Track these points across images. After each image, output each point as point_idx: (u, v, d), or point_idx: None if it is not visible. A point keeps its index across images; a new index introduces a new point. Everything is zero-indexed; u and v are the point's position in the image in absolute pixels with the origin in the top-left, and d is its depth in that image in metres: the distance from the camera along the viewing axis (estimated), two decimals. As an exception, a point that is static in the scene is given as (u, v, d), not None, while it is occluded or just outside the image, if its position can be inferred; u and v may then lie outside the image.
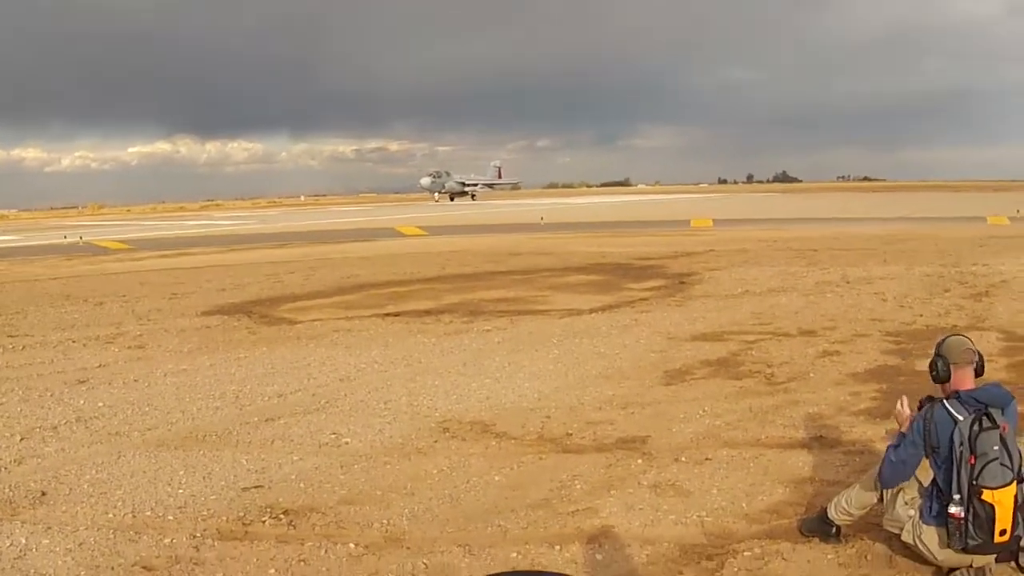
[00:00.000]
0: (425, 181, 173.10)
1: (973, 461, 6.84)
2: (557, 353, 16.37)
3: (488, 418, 12.20)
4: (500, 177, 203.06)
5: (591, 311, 21.21)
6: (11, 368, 16.80)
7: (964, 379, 7.19)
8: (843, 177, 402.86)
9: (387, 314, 21.67)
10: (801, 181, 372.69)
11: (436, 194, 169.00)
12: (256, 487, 9.80)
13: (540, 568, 7.64)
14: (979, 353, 7.37)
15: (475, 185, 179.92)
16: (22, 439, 11.93)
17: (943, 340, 7.44)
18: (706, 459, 10.12)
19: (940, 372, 7.24)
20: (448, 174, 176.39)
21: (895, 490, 7.41)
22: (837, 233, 45.43)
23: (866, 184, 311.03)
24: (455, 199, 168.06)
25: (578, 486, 9.41)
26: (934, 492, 7.12)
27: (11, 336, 20.31)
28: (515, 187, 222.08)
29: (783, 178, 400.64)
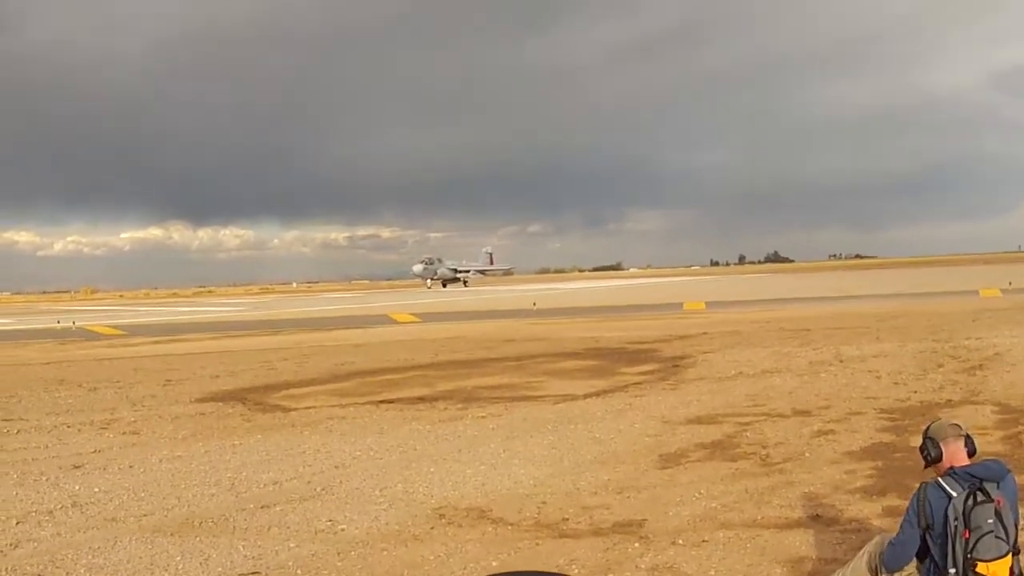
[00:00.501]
0: (417, 268, 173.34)
1: (968, 535, 6.88)
2: (552, 439, 16.33)
3: (484, 504, 12.16)
4: (492, 263, 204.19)
5: (586, 396, 21.16)
6: (6, 452, 16.86)
7: (956, 455, 7.26)
8: (835, 255, 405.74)
9: (382, 401, 21.61)
10: (793, 260, 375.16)
11: (428, 281, 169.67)
12: (253, 574, 9.77)
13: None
14: (968, 434, 7.44)
15: (467, 271, 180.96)
16: (18, 523, 11.94)
17: (928, 425, 7.55)
18: (703, 541, 10.10)
19: (931, 453, 7.33)
20: (440, 261, 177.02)
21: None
22: (830, 312, 45.68)
23: (858, 261, 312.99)
24: (447, 285, 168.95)
25: (575, 571, 9.37)
26: (931, 568, 7.14)
27: (5, 420, 20.38)
28: (507, 273, 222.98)
29: (775, 258, 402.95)
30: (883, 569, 7.52)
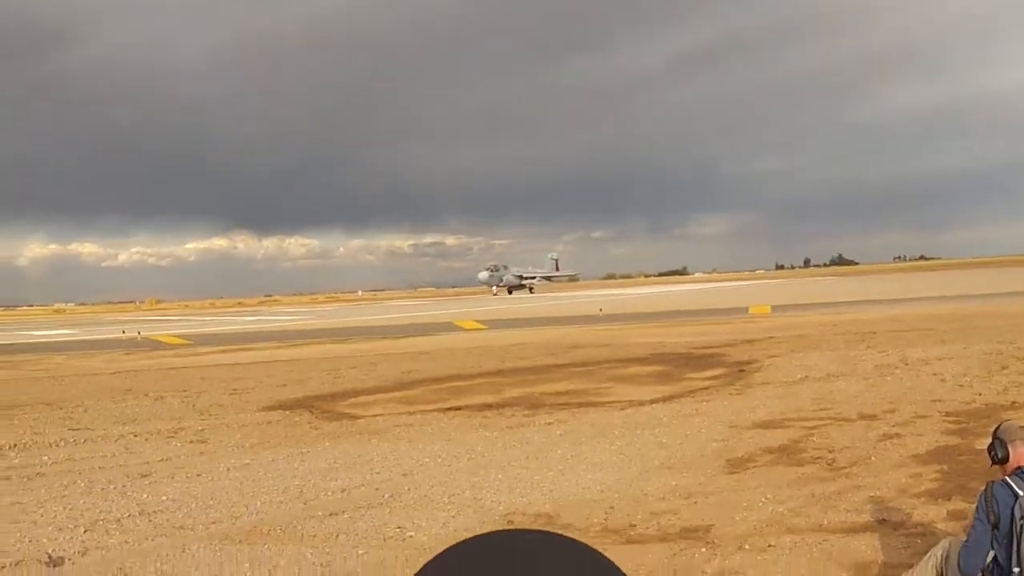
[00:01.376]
0: (483, 275, 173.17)
1: None
2: (619, 444, 16.37)
3: (552, 510, 12.26)
4: (558, 269, 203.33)
5: (652, 402, 21.18)
6: (73, 461, 17.08)
7: (1023, 456, 7.31)
8: (899, 257, 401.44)
9: (449, 408, 21.71)
10: (858, 263, 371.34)
11: (494, 288, 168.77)
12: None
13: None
14: None
15: (533, 278, 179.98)
16: (86, 531, 12.12)
17: (998, 425, 7.58)
18: (769, 546, 10.16)
19: (999, 453, 7.37)
20: (506, 268, 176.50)
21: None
22: (895, 315, 45.29)
23: (922, 263, 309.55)
24: (513, 292, 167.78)
25: (642, 574, 9.47)
26: (994, 570, 7.18)
27: (73, 429, 20.61)
28: (572, 279, 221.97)
29: (840, 261, 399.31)
30: (959, 572, 7.56)
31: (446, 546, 1.57)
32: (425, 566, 1.52)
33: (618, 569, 1.47)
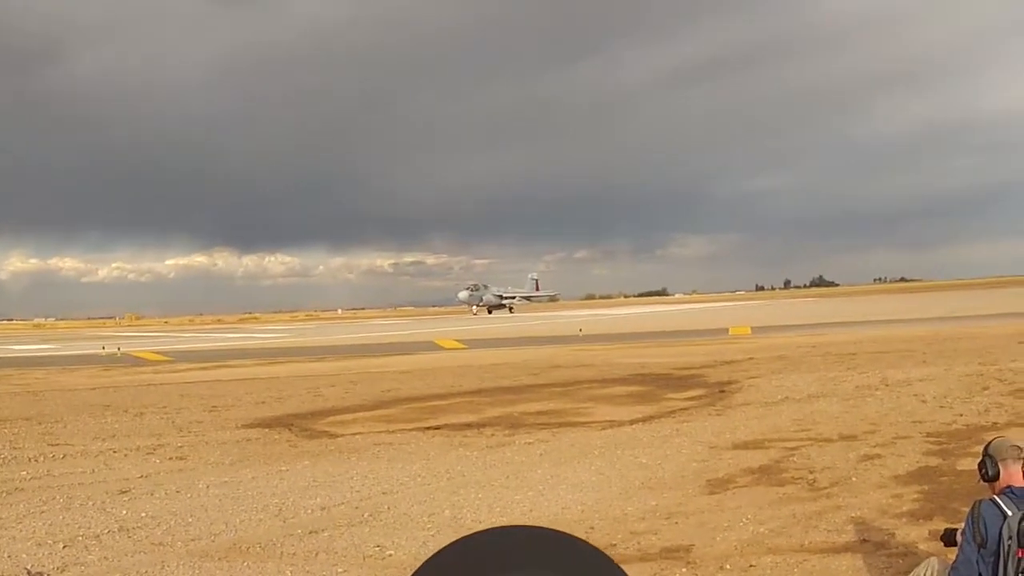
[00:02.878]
0: (463, 294, 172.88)
1: (1021, 554, 6.88)
2: (599, 464, 16.36)
3: (532, 530, 12.21)
4: (538, 289, 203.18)
5: (632, 422, 21.17)
6: (52, 476, 17.00)
7: (1014, 475, 7.28)
8: (880, 279, 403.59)
9: (428, 428, 21.67)
10: (838, 284, 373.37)
11: (474, 307, 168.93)
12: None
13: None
14: None
15: (512, 298, 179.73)
16: (65, 547, 12.06)
17: (990, 442, 7.55)
18: (751, 566, 10.14)
19: (989, 471, 7.35)
20: (486, 287, 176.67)
21: None
22: (875, 336, 45.51)
23: (903, 285, 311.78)
24: (493, 312, 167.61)
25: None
26: (980, 587, 7.15)
27: (52, 444, 20.54)
28: (553, 299, 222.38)
29: (820, 282, 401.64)
30: None
31: (446, 544, 1.54)
32: (424, 564, 1.48)
33: (617, 567, 1.43)
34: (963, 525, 7.39)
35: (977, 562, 7.17)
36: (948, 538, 7.67)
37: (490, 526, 1.61)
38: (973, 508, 7.26)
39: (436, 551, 1.56)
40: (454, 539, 1.53)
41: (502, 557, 1.49)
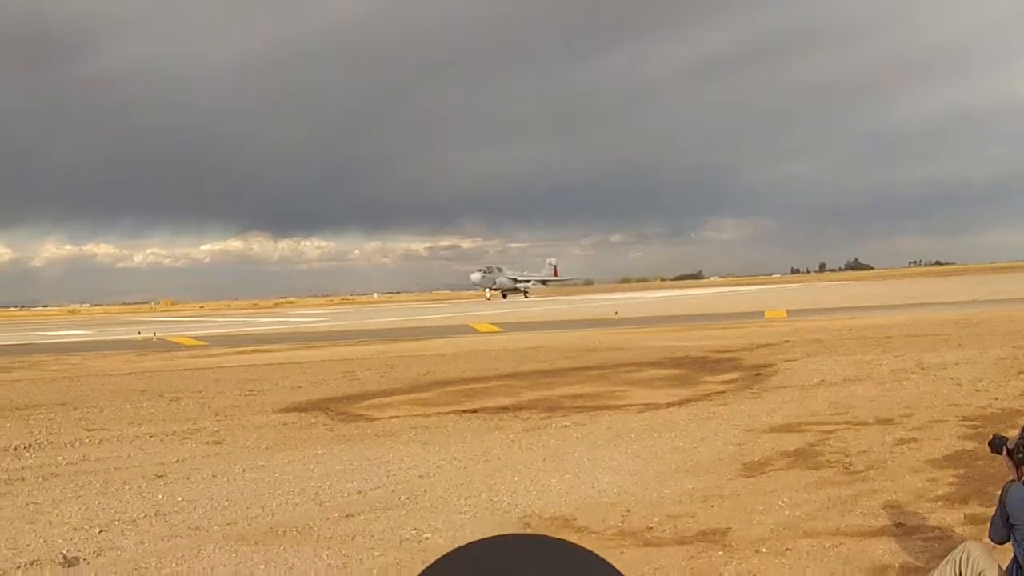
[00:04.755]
0: (475, 277, 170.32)
1: None
2: (636, 448, 16.38)
3: (568, 513, 12.28)
4: (556, 274, 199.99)
5: (669, 405, 21.18)
6: (88, 461, 17.10)
7: None
8: (915, 262, 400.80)
9: (465, 411, 21.73)
10: (873, 268, 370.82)
11: (488, 291, 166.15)
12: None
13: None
14: None
15: (527, 282, 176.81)
16: (101, 531, 12.14)
17: None
18: (787, 550, 10.16)
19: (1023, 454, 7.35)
20: (499, 270, 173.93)
21: (976, 572, 7.47)
22: (910, 319, 45.21)
23: (938, 268, 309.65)
24: (508, 296, 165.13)
25: (660, 578, 9.48)
26: (1014, 570, 7.18)
27: (88, 430, 20.63)
28: (570, 284, 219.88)
29: (855, 265, 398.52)
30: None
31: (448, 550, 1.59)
32: (424, 571, 1.54)
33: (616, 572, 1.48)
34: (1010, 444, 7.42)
35: (1012, 543, 7.22)
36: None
37: (489, 535, 1.65)
38: (1003, 491, 7.29)
39: (431, 562, 1.60)
40: (449, 550, 1.57)
41: (499, 567, 1.53)
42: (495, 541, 1.60)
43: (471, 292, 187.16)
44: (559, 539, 1.57)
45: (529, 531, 11.51)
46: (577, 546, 1.54)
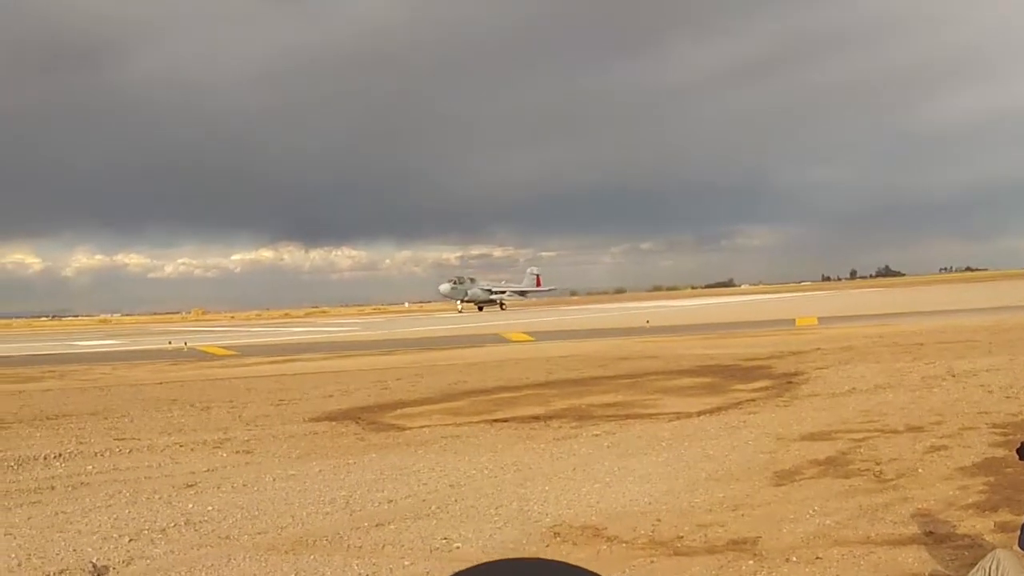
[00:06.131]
0: (444, 288, 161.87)
1: None
2: (666, 456, 16.39)
3: (599, 522, 12.30)
4: (539, 284, 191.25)
5: (699, 414, 21.18)
6: (118, 471, 17.18)
7: None
8: (946, 269, 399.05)
9: (496, 420, 21.76)
10: (904, 275, 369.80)
11: (459, 303, 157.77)
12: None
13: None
14: None
15: (503, 292, 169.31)
16: (131, 540, 12.19)
17: None
18: (817, 558, 10.18)
19: None
20: (472, 280, 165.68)
21: None
22: (941, 326, 45.08)
23: (969, 274, 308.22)
24: (484, 308, 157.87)
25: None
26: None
27: (118, 439, 20.70)
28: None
29: (886, 272, 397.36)
30: None
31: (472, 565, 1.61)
32: None
33: None
34: None
35: None
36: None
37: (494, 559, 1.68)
38: None
39: None
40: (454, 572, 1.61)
41: None
42: (492, 566, 1.62)
43: (444, 304, 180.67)
44: (559, 561, 1.60)
45: (558, 539, 11.61)
46: (577, 567, 1.57)
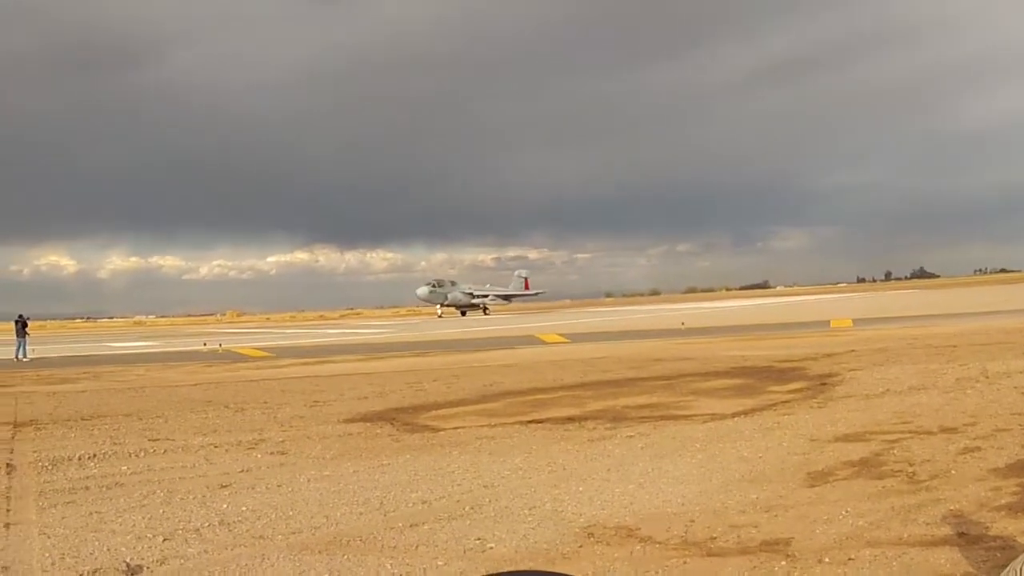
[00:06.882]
0: (422, 292, 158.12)
1: None
2: (700, 457, 16.42)
3: (632, 523, 12.33)
4: (527, 288, 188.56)
5: (734, 415, 21.20)
6: (153, 471, 17.31)
7: None
8: (980, 270, 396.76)
9: (530, 421, 21.81)
10: (939, 276, 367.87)
11: (439, 307, 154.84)
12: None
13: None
14: None
15: (485, 296, 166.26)
16: (165, 540, 12.28)
17: None
18: (850, 559, 10.20)
19: None
20: (453, 284, 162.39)
21: None
22: (975, 328, 44.91)
23: (1003, 276, 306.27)
24: (467, 313, 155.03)
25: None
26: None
27: (153, 440, 20.89)
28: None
29: (921, 274, 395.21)
30: None
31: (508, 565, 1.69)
32: None
33: None
34: None
35: None
36: None
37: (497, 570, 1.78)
38: None
39: None
40: None
41: None
42: None
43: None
44: (559, 573, 1.69)
45: (592, 540, 11.68)
46: None
